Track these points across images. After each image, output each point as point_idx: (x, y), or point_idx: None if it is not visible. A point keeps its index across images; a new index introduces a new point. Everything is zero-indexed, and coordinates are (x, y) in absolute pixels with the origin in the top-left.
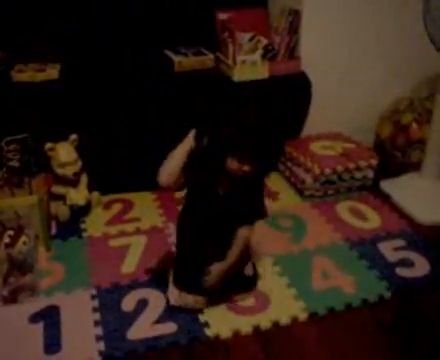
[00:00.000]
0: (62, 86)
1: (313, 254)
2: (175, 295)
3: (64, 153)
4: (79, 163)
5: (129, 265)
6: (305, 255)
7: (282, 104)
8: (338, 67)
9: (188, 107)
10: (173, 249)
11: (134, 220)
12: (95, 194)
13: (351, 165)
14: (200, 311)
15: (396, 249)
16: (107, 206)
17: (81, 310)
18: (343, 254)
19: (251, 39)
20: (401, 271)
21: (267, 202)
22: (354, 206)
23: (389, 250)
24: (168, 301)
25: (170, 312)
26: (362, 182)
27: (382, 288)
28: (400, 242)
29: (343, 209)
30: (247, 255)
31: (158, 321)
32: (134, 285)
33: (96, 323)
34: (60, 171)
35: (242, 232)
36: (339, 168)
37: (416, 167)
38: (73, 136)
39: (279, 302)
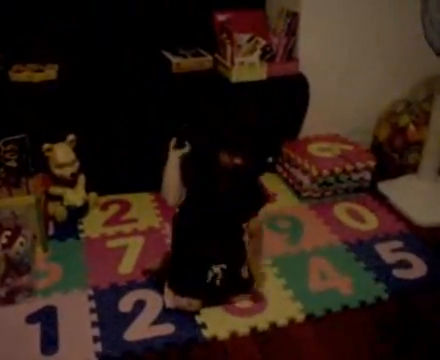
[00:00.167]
0: (60, 87)
1: (310, 255)
2: (170, 298)
3: (62, 154)
4: (77, 164)
5: (126, 266)
6: (302, 256)
7: (280, 105)
8: (337, 68)
9: (186, 108)
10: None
11: (131, 221)
12: (92, 195)
13: (349, 167)
14: (197, 313)
15: (394, 250)
16: (104, 207)
17: (78, 311)
18: (340, 255)
19: (249, 40)
20: (399, 273)
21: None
22: (352, 208)
23: (387, 251)
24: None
25: (167, 313)
26: (360, 184)
27: (379, 289)
28: (398, 244)
29: (341, 210)
30: (243, 256)
31: (155, 322)
32: (131, 286)
33: (93, 324)
34: (58, 172)
35: (253, 225)
36: (337, 170)
37: (414, 169)
38: (71, 137)
39: (276, 303)
